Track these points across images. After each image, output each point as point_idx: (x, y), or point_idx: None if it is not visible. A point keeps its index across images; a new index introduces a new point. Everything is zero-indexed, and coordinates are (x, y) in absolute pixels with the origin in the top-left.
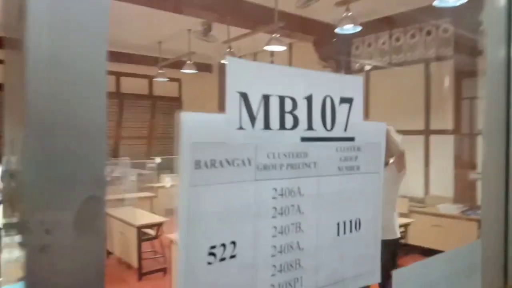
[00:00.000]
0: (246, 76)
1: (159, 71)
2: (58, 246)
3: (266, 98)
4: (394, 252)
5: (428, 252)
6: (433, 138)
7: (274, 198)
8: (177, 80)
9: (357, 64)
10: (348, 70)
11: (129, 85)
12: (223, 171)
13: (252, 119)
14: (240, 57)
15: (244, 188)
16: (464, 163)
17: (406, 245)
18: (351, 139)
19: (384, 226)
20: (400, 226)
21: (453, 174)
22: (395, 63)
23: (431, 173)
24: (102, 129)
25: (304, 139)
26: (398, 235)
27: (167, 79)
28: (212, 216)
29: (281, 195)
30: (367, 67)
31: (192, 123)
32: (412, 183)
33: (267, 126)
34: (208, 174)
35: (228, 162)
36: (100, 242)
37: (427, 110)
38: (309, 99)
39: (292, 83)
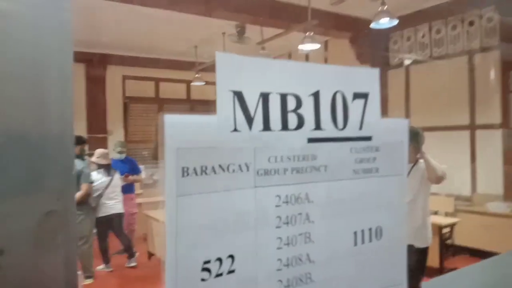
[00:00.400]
0: (240, 73)
1: (196, 75)
2: (14, 266)
3: (264, 97)
4: (420, 262)
5: (477, 253)
6: (479, 133)
7: (277, 206)
8: (214, 83)
9: (396, 59)
10: (387, 66)
11: (168, 90)
12: (216, 178)
13: (249, 120)
14: (275, 57)
15: (242, 196)
16: None
17: (453, 246)
18: (368, 138)
19: (413, 232)
20: (446, 226)
21: (502, 170)
22: (436, 57)
23: (478, 170)
24: (67, 138)
25: (311, 140)
26: (423, 245)
27: (204, 83)
28: (205, 228)
29: (286, 202)
30: (407, 62)
31: (176, 126)
32: (458, 181)
33: (266, 127)
34: (198, 182)
35: (221, 168)
36: (68, 259)
37: (472, 104)
38: (315, 95)
39: (295, 79)
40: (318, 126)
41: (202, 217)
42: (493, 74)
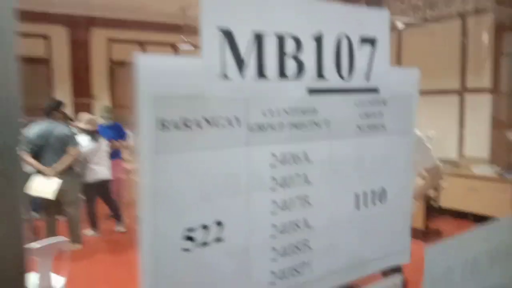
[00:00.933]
0: (229, 8)
1: (184, 38)
2: None
3: (258, 37)
4: None
5: (461, 215)
6: (469, 97)
7: (273, 166)
8: None
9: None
10: None
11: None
12: (201, 134)
13: (240, 64)
14: None
15: (231, 154)
16: (502, 123)
17: (438, 208)
18: (375, 90)
19: None
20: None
21: (489, 134)
22: (429, 19)
23: (466, 134)
24: (9, 90)
25: (312, 91)
26: None
27: (192, 47)
28: (187, 192)
29: (282, 162)
30: (400, 25)
31: (153, 69)
32: (446, 144)
33: (261, 73)
34: (180, 138)
35: (207, 121)
36: (14, 228)
37: (463, 68)
38: (318, 38)
39: (295, 18)
40: (320, 74)
41: (185, 179)
42: (486, 37)
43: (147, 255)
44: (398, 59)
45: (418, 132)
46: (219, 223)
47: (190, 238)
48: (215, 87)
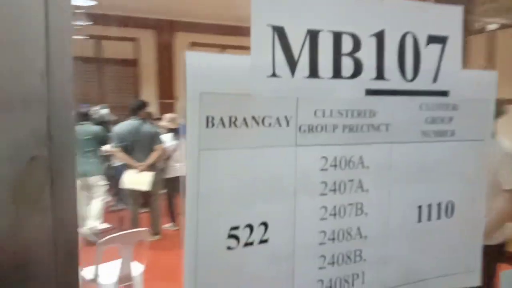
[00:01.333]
0: (282, 4)
1: None
2: None
3: (313, 35)
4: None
5: None
6: None
7: (323, 169)
8: None
9: (478, 23)
10: (469, 31)
11: None
12: (249, 132)
13: (292, 63)
14: None
15: (279, 155)
16: None
17: None
18: (444, 93)
19: None
20: None
21: None
22: None
23: None
24: (55, 75)
25: (370, 92)
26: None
27: None
28: (233, 190)
29: (334, 166)
30: (492, 26)
31: (200, 66)
32: None
33: (313, 73)
34: (226, 135)
35: (255, 120)
36: (63, 222)
37: None
38: (379, 36)
39: (353, 14)
40: (380, 75)
41: (230, 177)
42: None
43: (190, 251)
44: (492, 63)
45: (507, 146)
46: (264, 224)
47: (234, 237)
48: (264, 86)
